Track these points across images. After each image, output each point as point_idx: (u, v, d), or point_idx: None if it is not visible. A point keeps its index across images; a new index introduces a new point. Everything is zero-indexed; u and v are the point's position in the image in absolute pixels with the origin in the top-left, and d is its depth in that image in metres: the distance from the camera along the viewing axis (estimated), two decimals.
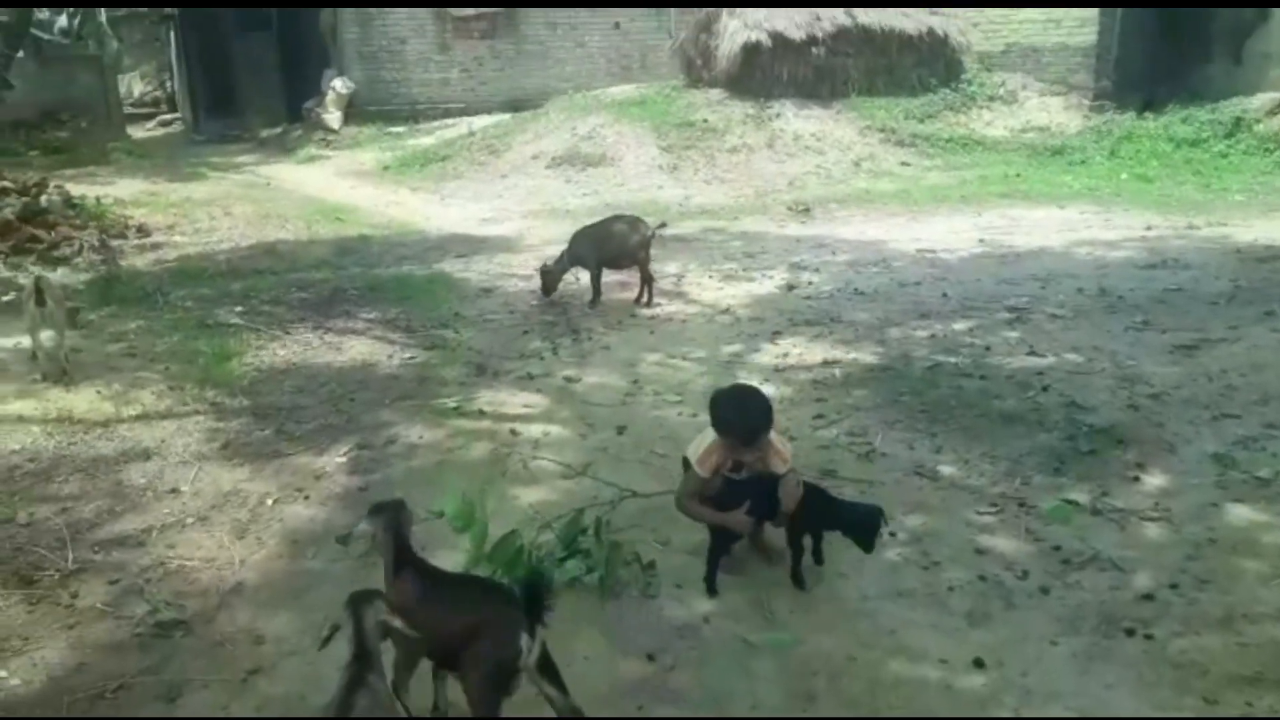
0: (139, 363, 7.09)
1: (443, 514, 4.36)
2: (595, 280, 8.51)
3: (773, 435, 4.08)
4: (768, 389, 6.35)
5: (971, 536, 4.44)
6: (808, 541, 4.10)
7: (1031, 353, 6.86)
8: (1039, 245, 10.48)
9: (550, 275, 8.49)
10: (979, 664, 3.51)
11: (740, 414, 3.99)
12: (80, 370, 6.77)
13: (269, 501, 5.02)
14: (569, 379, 6.74)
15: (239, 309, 8.55)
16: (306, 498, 5.04)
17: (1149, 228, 11.22)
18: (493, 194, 15.22)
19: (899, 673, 3.50)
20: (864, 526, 3.92)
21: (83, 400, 6.33)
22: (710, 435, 4.12)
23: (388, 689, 2.74)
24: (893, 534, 4.45)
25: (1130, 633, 3.64)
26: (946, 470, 5.12)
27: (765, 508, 3.95)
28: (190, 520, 4.82)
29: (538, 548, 4.27)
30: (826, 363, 6.89)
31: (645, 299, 8.61)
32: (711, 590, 4.00)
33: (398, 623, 2.78)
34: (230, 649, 3.78)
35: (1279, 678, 3.35)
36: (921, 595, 3.99)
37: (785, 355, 7.12)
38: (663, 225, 9.06)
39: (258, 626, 3.92)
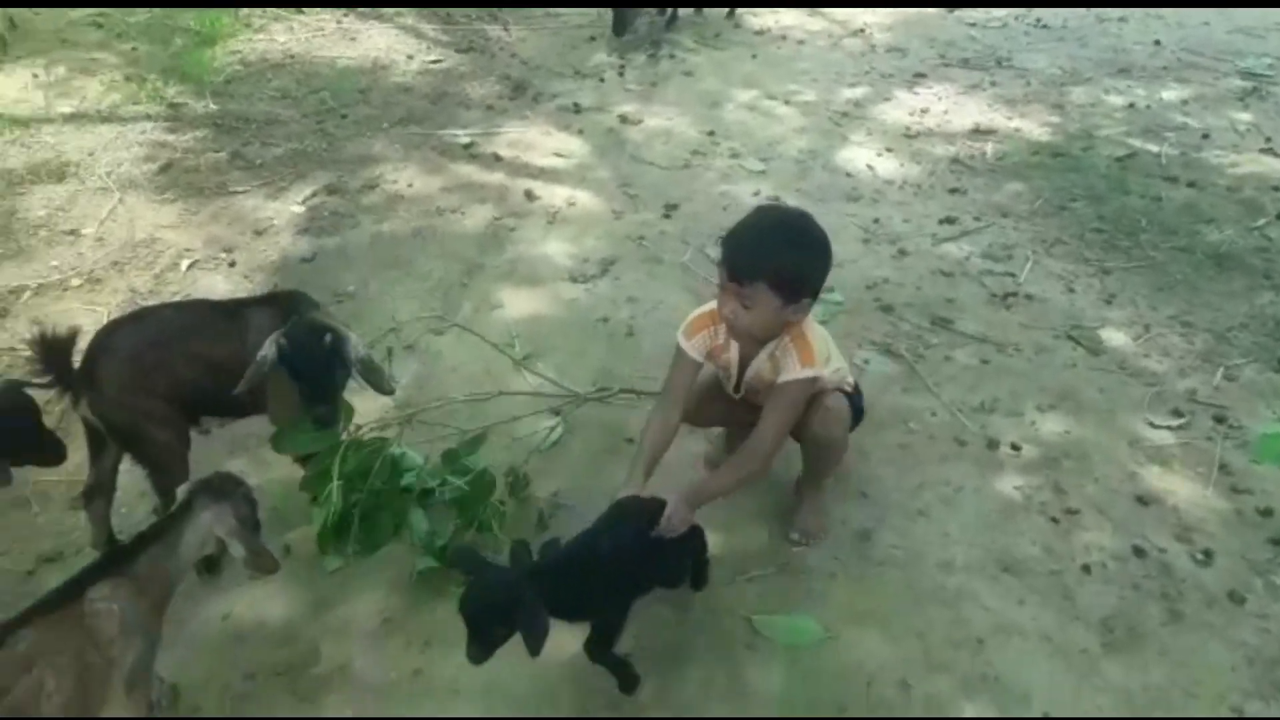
0: (101, 37, 5.72)
1: None
2: None
3: (806, 326, 2.41)
4: (886, 164, 4.69)
5: (1134, 468, 2.95)
6: None
7: (1268, 149, 4.88)
8: None
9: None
10: None
11: (735, 232, 2.32)
12: (23, 40, 5.45)
13: (183, 264, 3.81)
14: (624, 118, 5.12)
15: None
16: (231, 264, 3.81)
17: None
18: None
19: None
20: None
21: (12, 85, 5.08)
22: None
23: None
24: (1015, 448, 3.01)
25: None
26: (1115, 338, 3.52)
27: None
28: (76, 282, 3.68)
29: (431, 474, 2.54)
30: (978, 131, 5.07)
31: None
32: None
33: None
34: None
35: None
36: (1038, 573, 2.59)
37: (924, 112, 5.29)
38: None
39: None
